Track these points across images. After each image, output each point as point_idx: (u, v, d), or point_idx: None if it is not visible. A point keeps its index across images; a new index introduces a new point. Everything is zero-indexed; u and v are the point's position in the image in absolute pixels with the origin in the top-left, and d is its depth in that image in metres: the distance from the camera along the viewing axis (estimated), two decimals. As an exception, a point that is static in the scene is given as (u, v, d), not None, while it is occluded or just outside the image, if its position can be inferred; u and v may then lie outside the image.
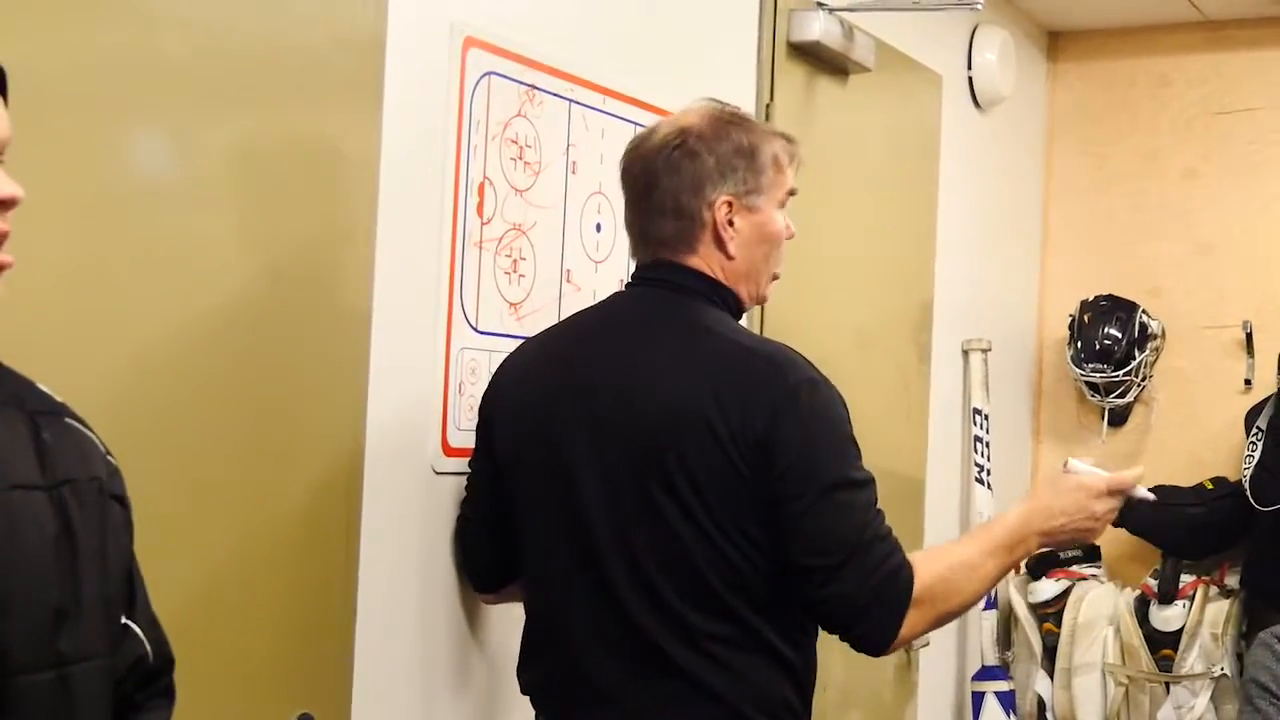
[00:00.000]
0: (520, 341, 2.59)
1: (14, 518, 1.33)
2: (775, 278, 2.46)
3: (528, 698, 2.41)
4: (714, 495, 2.18)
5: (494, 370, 2.51)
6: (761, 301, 2.49)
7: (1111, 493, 2.39)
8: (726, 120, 2.34)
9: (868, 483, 2.27)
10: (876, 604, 2.17)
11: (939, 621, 2.33)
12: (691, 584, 2.20)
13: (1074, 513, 2.38)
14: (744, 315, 2.46)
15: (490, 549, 2.51)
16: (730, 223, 2.30)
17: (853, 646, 2.26)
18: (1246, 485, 4.60)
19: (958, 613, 2.41)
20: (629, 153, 2.40)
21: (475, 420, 2.53)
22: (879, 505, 2.26)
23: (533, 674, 2.39)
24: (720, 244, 2.31)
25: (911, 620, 2.20)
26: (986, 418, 4.64)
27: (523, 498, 2.37)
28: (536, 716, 2.39)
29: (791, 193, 2.41)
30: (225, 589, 2.18)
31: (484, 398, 2.49)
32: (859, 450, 2.30)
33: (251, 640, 2.23)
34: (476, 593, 2.61)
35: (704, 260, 2.32)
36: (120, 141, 2.02)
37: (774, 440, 2.17)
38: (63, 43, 1.88)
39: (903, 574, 2.19)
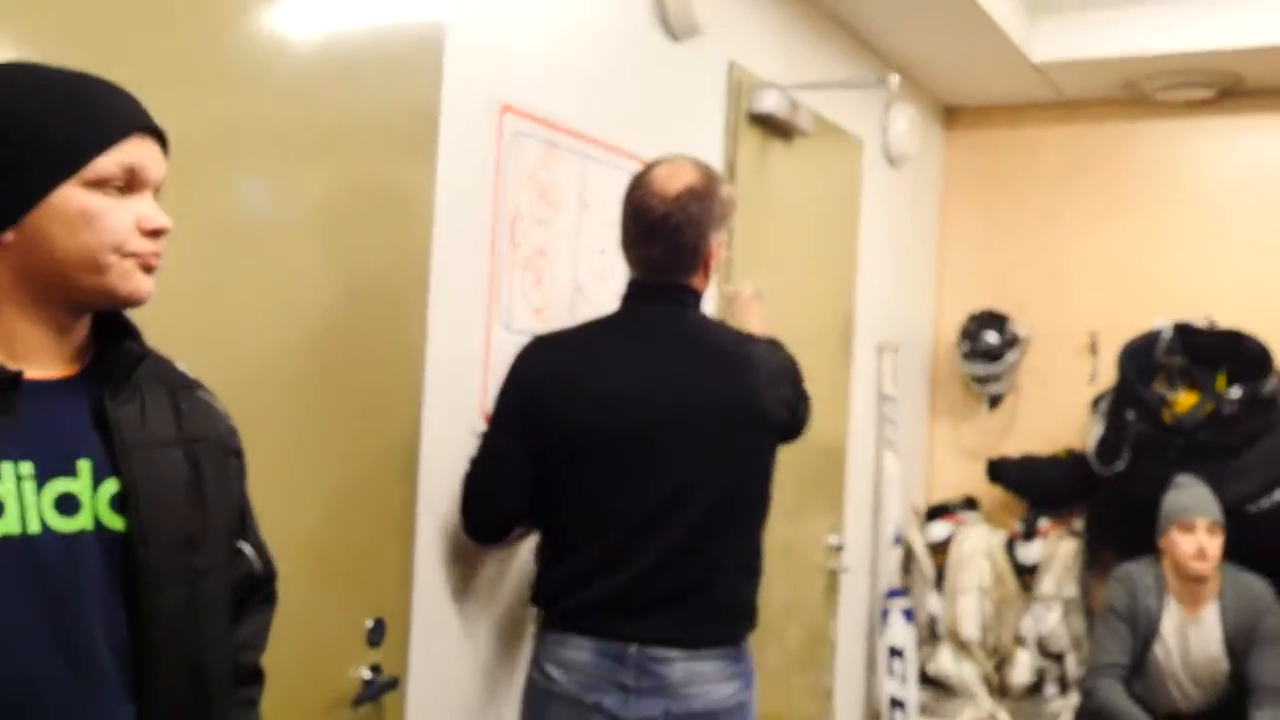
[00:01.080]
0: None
1: (158, 468, 1.36)
2: None
3: (561, 618, 2.37)
4: (759, 443, 2.44)
5: (521, 358, 2.45)
6: None
7: None
8: (715, 177, 2.43)
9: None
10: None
11: None
12: (740, 517, 2.41)
13: None
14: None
15: (518, 505, 2.41)
16: (714, 259, 2.43)
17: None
18: (1090, 454, 4.63)
19: None
20: (648, 196, 2.37)
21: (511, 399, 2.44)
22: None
23: (587, 596, 2.33)
24: (706, 271, 2.43)
25: None
26: (894, 401, 4.66)
27: (593, 464, 2.36)
28: (562, 632, 2.36)
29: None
30: (318, 521, 2.20)
31: (529, 385, 2.40)
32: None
33: (338, 559, 2.25)
34: (484, 543, 2.54)
35: (697, 282, 2.45)
36: (239, 185, 2.03)
37: (795, 397, 2.52)
38: (198, 111, 1.90)
39: None
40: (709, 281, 2.47)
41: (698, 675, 2.33)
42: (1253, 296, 4.69)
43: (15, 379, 1.24)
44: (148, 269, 1.31)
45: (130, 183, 1.30)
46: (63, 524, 1.26)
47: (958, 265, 5.23)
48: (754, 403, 2.41)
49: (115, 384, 1.35)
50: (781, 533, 3.98)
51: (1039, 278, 5.07)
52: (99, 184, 1.27)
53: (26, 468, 1.23)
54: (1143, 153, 4.97)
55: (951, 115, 5.25)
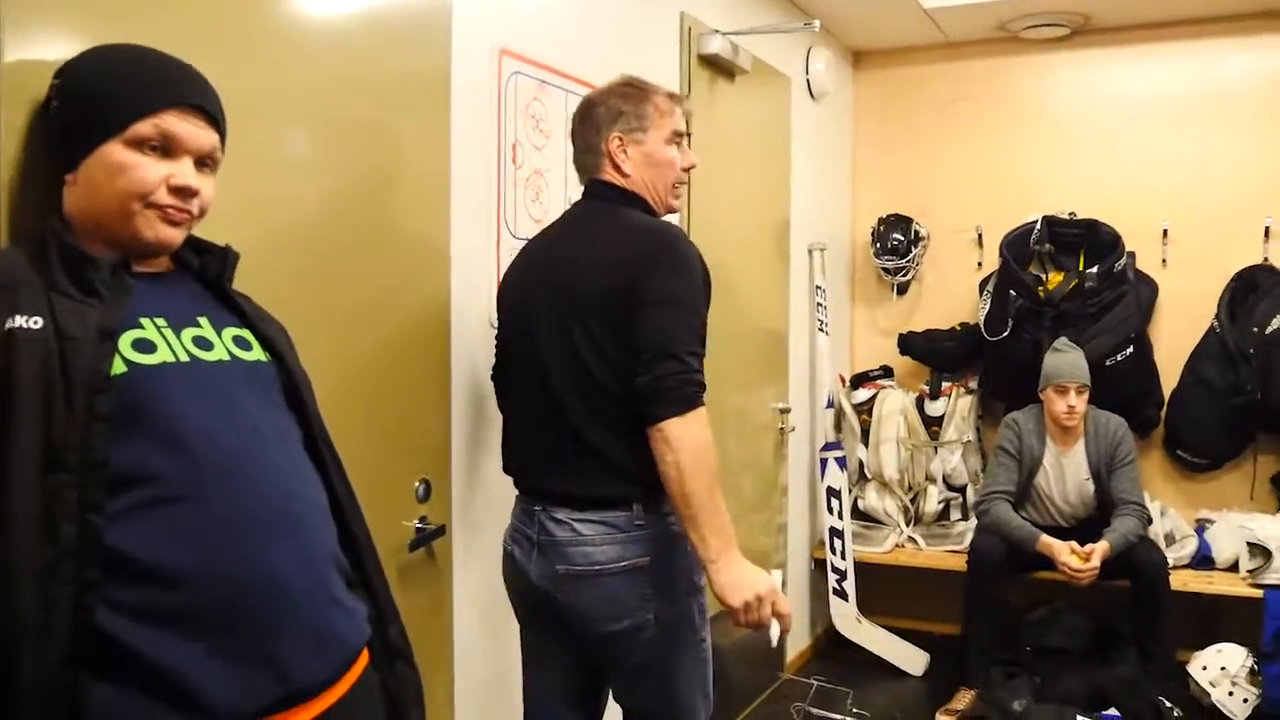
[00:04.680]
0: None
1: (266, 321, 1.45)
2: (678, 189, 2.19)
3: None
4: (616, 320, 1.95)
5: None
6: (670, 209, 2.20)
7: (769, 605, 1.92)
8: (620, 85, 2.17)
9: (695, 312, 1.97)
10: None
11: (683, 462, 1.87)
12: (601, 388, 1.97)
13: (745, 582, 1.90)
14: (665, 216, 2.21)
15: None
16: (623, 152, 2.12)
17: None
18: (981, 325, 4.57)
19: (680, 478, 1.87)
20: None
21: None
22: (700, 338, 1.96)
23: (508, 458, 2.18)
24: (618, 166, 2.13)
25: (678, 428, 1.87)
26: (824, 291, 4.57)
27: (507, 342, 2.19)
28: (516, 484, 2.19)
29: (678, 133, 2.16)
30: (374, 400, 2.10)
31: (503, 279, 2.29)
32: (705, 294, 2.00)
33: (391, 433, 2.16)
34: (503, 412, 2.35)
35: (612, 176, 2.13)
36: (284, 133, 1.91)
37: (643, 275, 1.93)
38: (238, 79, 1.79)
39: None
40: (632, 172, 2.11)
41: (585, 537, 1.99)
42: (1104, 192, 4.61)
43: (123, 260, 1.27)
44: (171, 221, 1.30)
45: (167, 147, 1.29)
46: (205, 355, 1.29)
47: (868, 179, 5.10)
48: (610, 278, 1.97)
49: (218, 272, 1.40)
50: (737, 402, 3.93)
51: (934, 186, 4.96)
52: (137, 144, 1.27)
53: (160, 321, 1.28)
54: (1014, 81, 4.85)
55: (858, 58, 5.09)
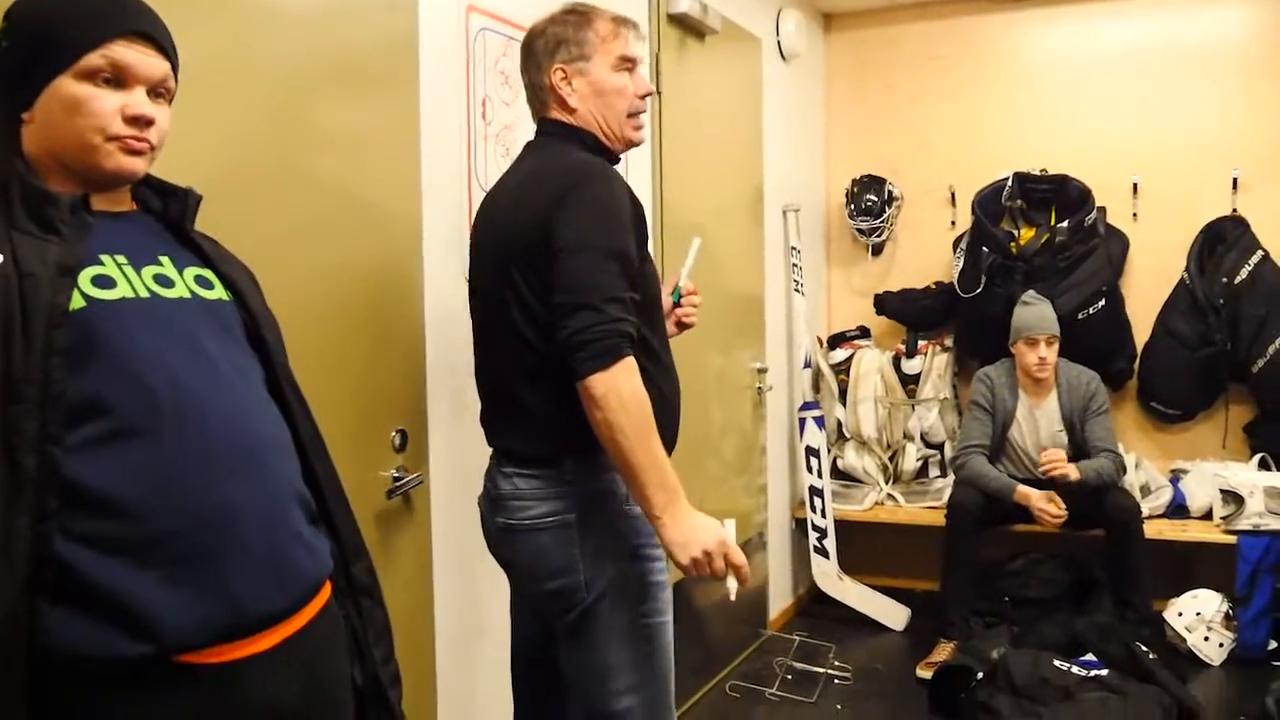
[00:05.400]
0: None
1: (229, 261, 1.45)
2: (636, 121, 2.03)
3: None
4: (535, 269, 1.83)
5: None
6: (626, 142, 2.03)
7: (721, 558, 1.80)
8: (561, 12, 2.03)
9: (614, 254, 1.80)
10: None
11: (612, 419, 1.74)
12: (525, 340, 1.87)
13: (693, 537, 1.77)
14: (617, 154, 2.05)
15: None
16: (568, 84, 1.98)
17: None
18: (955, 283, 4.60)
19: (612, 435, 1.75)
20: None
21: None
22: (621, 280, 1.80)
23: (478, 410, 2.08)
24: (563, 101, 1.98)
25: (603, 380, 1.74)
26: (799, 252, 4.59)
27: (470, 293, 2.08)
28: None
29: (628, 59, 2.00)
30: (350, 347, 2.10)
31: None
32: (630, 232, 1.85)
33: (367, 385, 2.16)
34: None
35: (560, 113, 2.00)
36: (250, 91, 1.91)
37: (555, 219, 1.80)
38: (203, 37, 1.80)
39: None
40: (579, 106, 1.98)
41: (521, 490, 1.90)
42: (1074, 148, 4.64)
43: (83, 199, 1.27)
44: (131, 151, 1.29)
45: (119, 78, 1.28)
46: (165, 292, 1.30)
47: (841, 140, 5.11)
48: (525, 224, 1.86)
49: (179, 213, 1.40)
50: (716, 363, 3.95)
51: (906, 146, 4.97)
52: (89, 76, 1.26)
53: (121, 258, 1.28)
54: (982, 41, 4.86)
55: (829, 20, 5.09)
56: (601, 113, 2.00)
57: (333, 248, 2.07)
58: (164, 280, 1.30)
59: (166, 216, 1.40)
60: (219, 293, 1.37)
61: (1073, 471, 3.92)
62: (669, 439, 1.94)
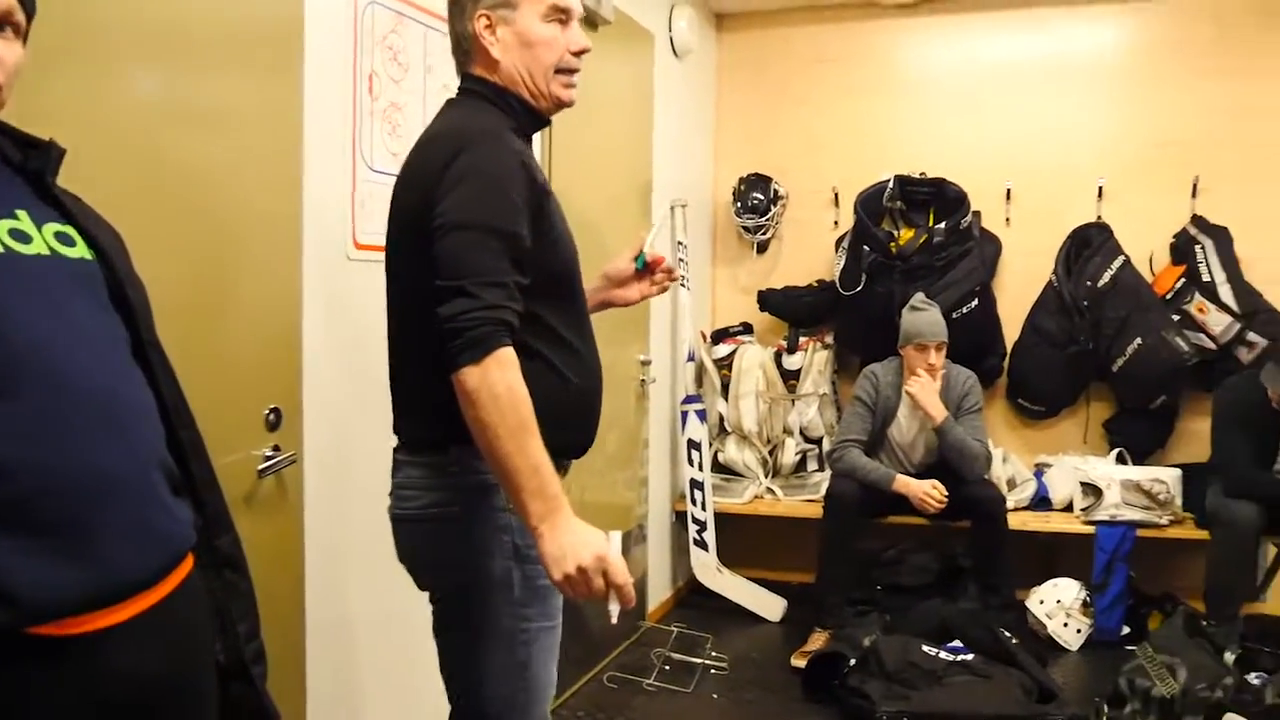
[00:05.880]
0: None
1: (91, 215, 1.37)
2: (567, 79, 1.85)
3: None
4: (419, 245, 1.67)
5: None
6: (555, 101, 1.85)
7: (600, 577, 1.58)
8: None
9: (496, 232, 1.63)
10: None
11: (484, 418, 1.57)
12: (409, 320, 1.77)
13: (569, 552, 1.57)
14: (545, 116, 1.89)
15: None
16: (492, 33, 1.80)
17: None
18: (837, 281, 4.70)
19: (484, 436, 1.58)
20: None
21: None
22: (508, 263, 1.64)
23: None
24: (485, 53, 1.81)
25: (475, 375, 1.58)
26: (685, 247, 4.62)
27: None
28: None
29: (561, 9, 1.82)
30: (223, 322, 2.04)
31: None
32: (518, 205, 1.67)
33: (239, 356, 2.09)
34: None
35: (483, 69, 1.83)
36: (125, 67, 1.83)
37: (435, 192, 1.66)
38: (81, 9, 1.70)
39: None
40: (502, 58, 1.81)
41: (409, 478, 1.79)
42: (952, 153, 4.80)
43: None
44: None
45: None
46: (21, 248, 1.22)
47: (730, 138, 5.17)
48: (410, 196, 1.74)
49: (40, 166, 1.32)
50: (602, 356, 3.95)
51: (793, 147, 5.06)
52: None
53: None
54: (869, 47, 4.98)
55: (720, 19, 5.15)
56: (527, 67, 1.82)
57: (206, 220, 2.00)
58: (20, 235, 1.23)
59: (26, 170, 1.33)
60: (81, 251, 1.30)
61: (939, 414, 4.04)
62: (581, 435, 1.86)
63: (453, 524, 1.74)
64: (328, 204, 2.36)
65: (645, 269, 2.16)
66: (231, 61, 2.07)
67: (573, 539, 1.58)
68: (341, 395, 2.39)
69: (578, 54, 1.86)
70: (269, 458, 2.12)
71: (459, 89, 1.88)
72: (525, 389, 1.60)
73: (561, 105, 1.87)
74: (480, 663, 1.75)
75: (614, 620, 1.61)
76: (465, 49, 1.85)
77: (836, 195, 4.97)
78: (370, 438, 2.49)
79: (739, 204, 4.97)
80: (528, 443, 1.58)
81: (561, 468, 1.76)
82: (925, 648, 3.42)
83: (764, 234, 5.00)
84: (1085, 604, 4.14)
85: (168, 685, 1.26)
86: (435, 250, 1.63)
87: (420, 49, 2.69)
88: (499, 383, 1.57)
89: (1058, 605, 4.15)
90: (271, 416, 2.16)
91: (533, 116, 1.87)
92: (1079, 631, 4.13)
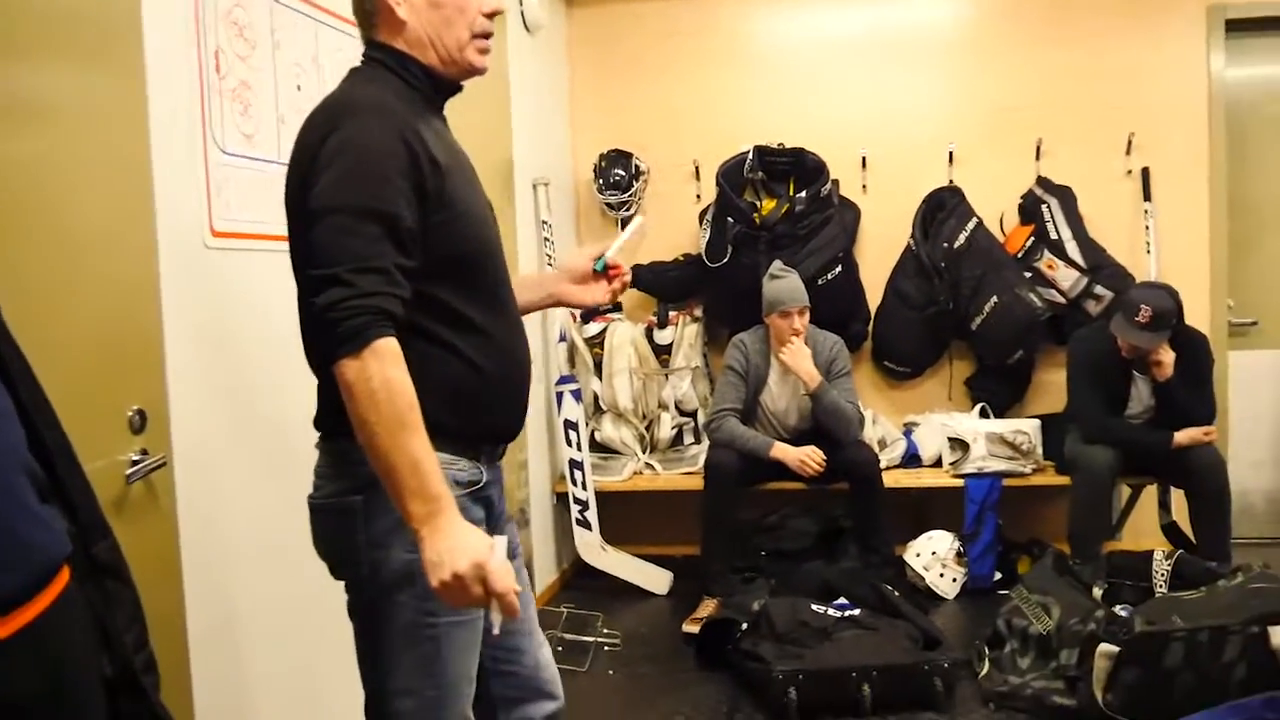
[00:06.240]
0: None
1: None
2: (480, 44, 1.76)
3: None
4: (301, 229, 1.60)
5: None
6: (465, 67, 1.76)
7: (479, 585, 1.49)
8: None
9: (372, 214, 1.54)
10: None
11: (361, 412, 1.49)
12: (306, 291, 1.64)
13: (445, 559, 1.48)
14: (456, 83, 1.81)
15: None
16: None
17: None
18: (703, 254, 4.72)
19: (362, 431, 1.50)
20: None
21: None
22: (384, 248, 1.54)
23: None
24: (390, 14, 1.71)
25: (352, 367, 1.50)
26: (550, 226, 4.57)
27: None
28: None
29: None
30: (74, 318, 1.89)
31: None
32: (397, 183, 1.57)
33: (94, 355, 1.95)
34: None
35: (388, 34, 1.73)
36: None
37: (309, 171, 1.58)
38: None
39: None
40: (408, 18, 1.71)
41: (318, 467, 1.74)
42: (808, 124, 4.88)
43: None
44: None
45: None
46: None
47: (587, 115, 5.14)
48: (291, 174, 1.66)
49: None
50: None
51: (652, 121, 5.06)
52: None
53: None
54: (720, 20, 5.01)
55: (570, -5, 5.12)
56: (437, 29, 1.71)
57: (41, 218, 1.85)
58: None
59: None
60: None
61: (814, 379, 4.11)
62: (503, 421, 1.79)
63: (354, 515, 1.66)
64: (180, 191, 2.22)
65: (604, 272, 2.12)
66: (61, 47, 1.91)
67: (451, 544, 1.49)
68: (210, 392, 2.27)
69: (490, 16, 1.76)
70: (136, 461, 1.99)
71: (364, 56, 1.77)
72: (408, 382, 1.51)
73: (474, 72, 1.78)
74: (385, 657, 1.69)
75: (495, 631, 1.55)
76: (368, 10, 1.74)
77: (697, 168, 4.99)
78: (243, 435, 2.39)
79: (601, 180, 4.95)
80: (407, 439, 1.49)
81: (487, 455, 1.75)
82: (814, 606, 3.48)
83: (628, 210, 4.99)
84: (959, 554, 4.28)
85: (49, 707, 1.16)
86: (310, 236, 1.54)
87: (267, 24, 2.55)
88: (375, 376, 1.49)
89: (933, 557, 4.28)
90: (136, 418, 2.02)
91: (441, 84, 1.77)
92: (954, 580, 4.27)
